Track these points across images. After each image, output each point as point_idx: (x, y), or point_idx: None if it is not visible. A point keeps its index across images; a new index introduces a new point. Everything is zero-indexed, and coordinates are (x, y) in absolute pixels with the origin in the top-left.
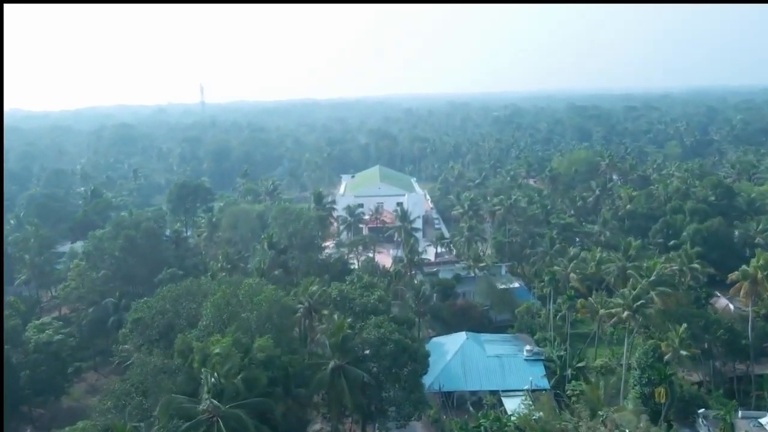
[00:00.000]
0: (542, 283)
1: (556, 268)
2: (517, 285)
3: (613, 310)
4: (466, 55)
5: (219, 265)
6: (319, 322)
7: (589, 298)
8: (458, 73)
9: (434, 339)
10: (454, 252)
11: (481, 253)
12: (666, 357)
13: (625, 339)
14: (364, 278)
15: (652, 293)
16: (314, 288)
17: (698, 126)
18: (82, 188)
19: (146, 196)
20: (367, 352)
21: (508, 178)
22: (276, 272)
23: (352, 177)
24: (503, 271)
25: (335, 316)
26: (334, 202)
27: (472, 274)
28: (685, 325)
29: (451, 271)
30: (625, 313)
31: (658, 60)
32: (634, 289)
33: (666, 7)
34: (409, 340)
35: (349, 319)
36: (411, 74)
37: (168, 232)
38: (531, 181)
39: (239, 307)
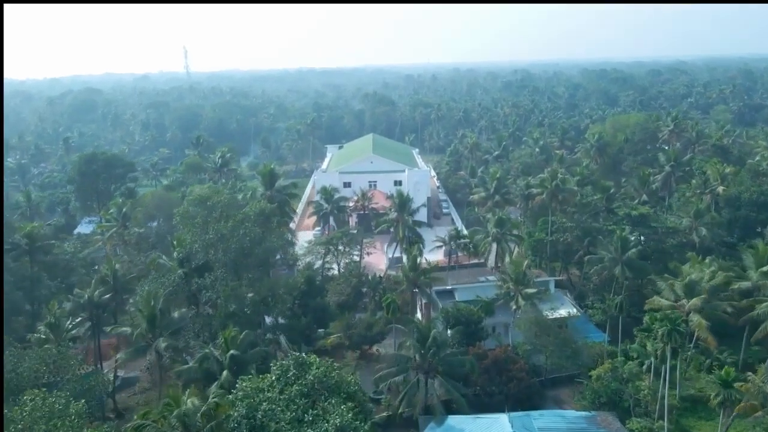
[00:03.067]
0: (654, 337)
1: (661, 301)
2: (576, 312)
3: None
4: (463, 24)
5: (88, 295)
6: None
7: (750, 375)
8: (458, 41)
9: (452, 419)
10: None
11: (526, 270)
12: None
13: None
14: (313, 368)
15: None
16: (191, 403)
17: (742, 90)
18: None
19: None
20: None
21: (537, 150)
22: (177, 314)
23: (340, 148)
24: (551, 288)
25: None
26: (293, 185)
27: (514, 308)
28: None
29: (472, 291)
30: None
31: (659, 30)
32: None
33: None
34: None
35: None
36: (406, 44)
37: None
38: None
39: None
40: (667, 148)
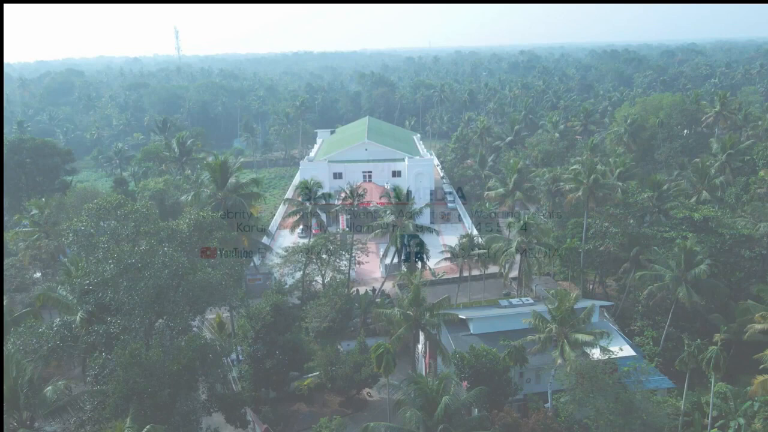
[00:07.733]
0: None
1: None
2: (632, 351)
3: None
4: (465, 8)
5: None
6: None
7: None
8: (459, 25)
9: None
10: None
11: (550, 275)
12: None
13: None
14: None
15: None
16: None
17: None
18: None
19: None
20: None
21: (557, 135)
22: (51, 389)
23: (331, 133)
24: (596, 316)
25: None
26: (254, 183)
27: (559, 361)
28: None
29: (492, 322)
30: None
31: (664, 14)
32: None
33: None
34: None
35: None
36: (407, 27)
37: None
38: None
39: None
40: (707, 132)
